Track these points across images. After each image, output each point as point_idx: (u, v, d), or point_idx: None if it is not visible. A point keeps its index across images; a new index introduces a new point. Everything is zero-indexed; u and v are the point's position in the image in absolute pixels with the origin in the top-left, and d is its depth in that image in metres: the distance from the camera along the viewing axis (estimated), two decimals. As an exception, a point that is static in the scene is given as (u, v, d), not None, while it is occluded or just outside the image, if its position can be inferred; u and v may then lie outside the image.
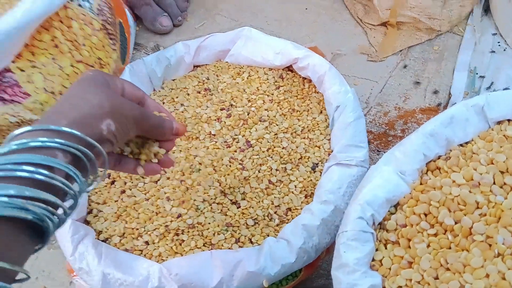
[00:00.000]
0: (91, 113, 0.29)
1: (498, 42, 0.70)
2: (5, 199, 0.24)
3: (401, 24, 0.72)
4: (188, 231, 0.47)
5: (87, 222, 0.51)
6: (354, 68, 0.71)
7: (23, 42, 0.50)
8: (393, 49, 0.72)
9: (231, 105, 0.57)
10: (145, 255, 0.47)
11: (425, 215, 0.39)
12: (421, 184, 0.41)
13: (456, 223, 0.38)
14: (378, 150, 0.62)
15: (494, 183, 0.38)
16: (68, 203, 0.29)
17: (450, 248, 0.37)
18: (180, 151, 0.55)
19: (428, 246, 0.38)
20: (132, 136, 0.34)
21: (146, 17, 0.80)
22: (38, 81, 0.52)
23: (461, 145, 0.43)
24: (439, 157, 0.43)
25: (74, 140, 0.28)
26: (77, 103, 0.30)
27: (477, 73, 0.68)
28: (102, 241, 0.49)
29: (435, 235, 0.38)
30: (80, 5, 0.55)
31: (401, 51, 0.72)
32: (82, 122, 0.29)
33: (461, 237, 0.37)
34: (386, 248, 0.38)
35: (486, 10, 0.74)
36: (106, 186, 0.54)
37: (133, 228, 0.49)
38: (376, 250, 0.38)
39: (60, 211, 0.28)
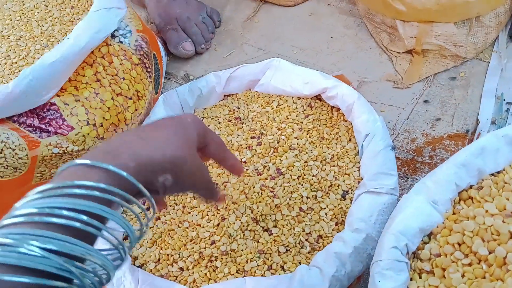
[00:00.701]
0: (155, 161, 0.28)
1: (525, 68, 0.71)
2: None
3: (427, 51, 0.73)
4: (222, 258, 0.49)
5: (123, 248, 0.53)
6: (381, 95, 0.72)
7: (67, 75, 0.53)
8: (419, 76, 0.73)
9: (261, 133, 0.59)
10: (180, 281, 0.48)
11: (459, 244, 0.39)
12: (454, 213, 0.42)
13: (490, 253, 0.38)
14: (406, 177, 0.62)
15: (528, 213, 0.39)
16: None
17: (484, 278, 0.37)
18: (212, 178, 0.56)
19: (463, 276, 0.38)
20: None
21: (171, 41, 0.83)
22: (81, 114, 0.55)
23: (492, 174, 0.44)
24: (471, 187, 0.43)
25: (122, 182, 0.27)
26: (152, 144, 0.28)
27: (504, 99, 0.68)
28: (138, 266, 0.50)
29: (469, 265, 0.38)
30: (121, 42, 0.59)
31: (427, 77, 0.73)
32: (141, 168, 0.28)
33: (495, 267, 0.37)
34: (420, 278, 0.39)
35: (511, 36, 0.75)
36: (141, 213, 0.56)
37: (168, 254, 0.50)
38: (411, 279, 0.38)
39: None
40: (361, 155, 0.55)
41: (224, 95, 0.68)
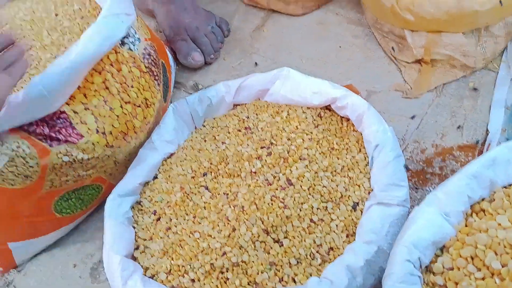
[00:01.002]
0: None
1: (535, 78, 0.70)
2: None
3: (435, 61, 0.73)
4: (233, 269, 0.49)
5: (134, 258, 0.53)
6: (390, 105, 0.72)
7: (77, 83, 0.54)
8: (428, 86, 0.73)
9: (271, 143, 0.59)
10: (191, 292, 0.48)
11: (472, 258, 0.39)
12: (466, 226, 0.42)
13: (503, 266, 0.38)
14: (416, 188, 0.62)
15: (541, 227, 0.38)
16: None
17: (498, 292, 0.37)
18: (222, 188, 0.57)
19: (476, 290, 0.38)
20: None
21: (180, 51, 0.83)
22: (91, 122, 0.55)
23: (504, 187, 0.44)
24: (483, 199, 0.43)
25: None
26: None
27: (514, 109, 0.68)
28: (149, 277, 0.50)
29: (483, 278, 0.38)
30: (130, 49, 0.59)
31: (436, 87, 0.73)
32: None
33: (509, 280, 0.37)
34: (433, 292, 0.39)
35: (521, 46, 0.75)
36: (152, 222, 0.56)
37: (179, 265, 0.50)
38: (424, 293, 0.38)
39: None
40: (371, 166, 0.55)
41: (234, 105, 0.69)
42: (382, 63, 0.79)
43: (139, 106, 0.60)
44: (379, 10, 0.77)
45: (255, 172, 0.57)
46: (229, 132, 0.64)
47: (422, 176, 0.63)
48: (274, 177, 0.56)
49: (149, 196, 0.60)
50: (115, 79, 0.57)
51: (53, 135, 0.54)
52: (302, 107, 0.63)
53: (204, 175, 0.59)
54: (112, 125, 0.57)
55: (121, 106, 0.57)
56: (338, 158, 0.56)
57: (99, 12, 0.64)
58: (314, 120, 0.61)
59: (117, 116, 0.58)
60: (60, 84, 0.51)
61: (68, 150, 0.55)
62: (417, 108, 0.71)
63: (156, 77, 0.64)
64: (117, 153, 0.59)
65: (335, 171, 0.55)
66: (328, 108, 0.63)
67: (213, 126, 0.67)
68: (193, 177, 0.59)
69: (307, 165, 0.55)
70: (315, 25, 0.87)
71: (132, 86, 0.58)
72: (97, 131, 0.56)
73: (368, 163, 0.55)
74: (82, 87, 0.56)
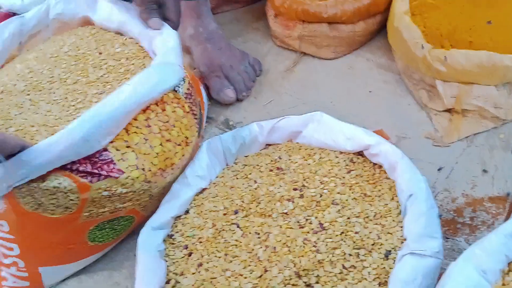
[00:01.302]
0: None
1: None
2: None
3: (466, 111, 0.74)
4: (264, 312, 0.49)
5: (165, 293, 0.54)
6: (419, 152, 0.73)
7: (125, 123, 0.56)
8: (458, 136, 0.74)
9: (304, 185, 0.60)
10: (221, 332, 0.48)
11: (510, 318, 0.39)
12: (503, 285, 0.41)
13: (542, 329, 0.38)
14: (446, 237, 0.62)
15: None
16: None
17: None
18: (253, 228, 0.57)
19: None
20: None
21: (214, 87, 0.86)
22: (131, 159, 0.57)
23: (543, 246, 0.43)
24: (521, 258, 0.43)
25: None
26: None
27: (545, 163, 0.68)
28: (180, 314, 0.51)
29: None
30: (175, 90, 0.61)
31: (467, 137, 0.74)
32: None
33: None
34: None
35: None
36: (184, 257, 0.57)
37: (210, 303, 0.51)
38: None
39: None
40: (403, 215, 0.55)
41: (266, 144, 0.70)
42: (412, 110, 0.80)
43: (179, 145, 0.61)
44: (410, 58, 0.79)
45: (287, 214, 0.58)
46: (261, 171, 0.65)
47: (453, 226, 0.63)
48: (306, 219, 0.56)
49: (180, 230, 0.61)
50: (158, 118, 0.59)
51: (95, 171, 0.55)
52: (334, 152, 0.64)
53: (235, 213, 0.60)
54: (152, 163, 0.59)
55: (161, 144, 0.59)
56: (370, 205, 0.57)
57: (145, 55, 0.67)
58: (347, 165, 0.62)
59: (157, 153, 0.59)
60: (109, 124, 0.54)
61: (108, 186, 0.56)
62: (447, 156, 0.72)
63: (196, 116, 0.66)
64: (153, 187, 0.60)
65: (367, 217, 0.56)
66: (360, 153, 0.64)
67: (245, 164, 0.68)
68: (224, 214, 0.60)
69: (339, 210, 0.56)
70: (345, 69, 0.90)
71: (174, 126, 0.60)
72: (137, 168, 0.57)
73: (400, 211, 0.56)
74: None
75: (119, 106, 0.55)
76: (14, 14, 1.25)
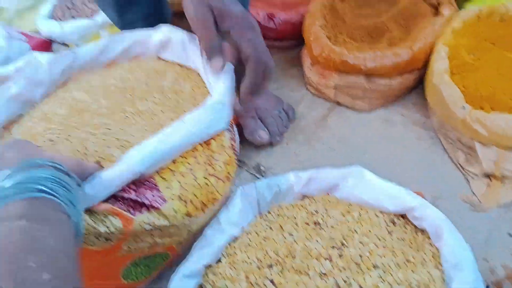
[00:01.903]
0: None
1: None
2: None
3: (505, 178, 0.73)
4: None
5: None
6: (455, 215, 0.71)
7: (173, 159, 0.56)
8: (497, 202, 0.72)
9: (343, 244, 0.59)
10: None
11: None
12: None
13: None
14: (487, 310, 0.60)
15: None
16: None
17: None
18: (288, 285, 0.55)
19: None
20: None
21: (248, 127, 0.86)
22: (176, 188, 0.56)
23: None
24: None
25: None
26: None
27: None
28: None
29: None
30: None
31: (504, 203, 0.72)
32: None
33: None
34: None
35: None
36: None
37: None
38: None
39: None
40: (448, 285, 0.53)
41: (302, 195, 0.69)
42: (447, 169, 0.79)
43: (222, 180, 0.60)
44: (449, 117, 0.78)
45: (325, 274, 0.56)
46: (296, 224, 0.64)
47: (493, 299, 0.61)
48: (345, 281, 0.54)
49: (212, 280, 0.59)
50: (204, 150, 0.59)
51: (138, 199, 0.54)
52: (374, 210, 0.63)
53: (270, 267, 0.58)
54: (194, 194, 0.57)
55: (205, 177, 0.58)
56: (413, 272, 0.55)
57: (193, 88, 0.67)
58: (388, 225, 0.60)
59: (200, 186, 0.58)
60: (163, 162, 0.54)
61: (151, 219, 0.55)
62: (485, 222, 0.70)
63: (236, 152, 0.65)
64: (193, 223, 0.59)
65: (410, 285, 0.54)
66: (401, 215, 0.62)
67: (279, 214, 0.67)
68: (258, 267, 0.58)
69: (381, 275, 0.54)
70: (379, 122, 0.89)
71: (217, 160, 0.60)
72: (180, 198, 0.56)
73: (444, 280, 0.54)
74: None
75: (170, 148, 0.54)
76: (51, 41, 1.28)
